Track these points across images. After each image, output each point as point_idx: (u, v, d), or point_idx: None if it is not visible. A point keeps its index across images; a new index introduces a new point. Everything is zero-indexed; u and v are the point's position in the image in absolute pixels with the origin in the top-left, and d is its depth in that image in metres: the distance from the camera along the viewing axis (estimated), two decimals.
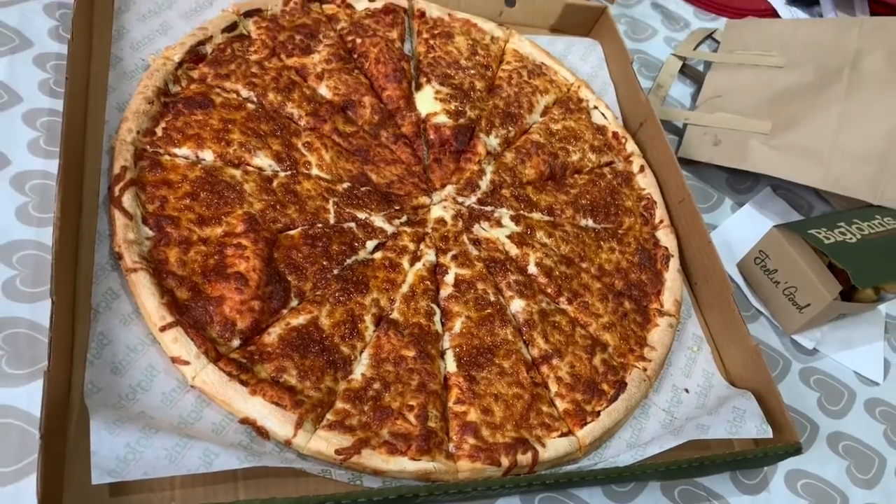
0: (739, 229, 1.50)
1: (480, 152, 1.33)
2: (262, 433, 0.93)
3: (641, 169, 1.43)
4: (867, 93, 1.43)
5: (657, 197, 1.40)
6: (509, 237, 1.25)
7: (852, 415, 1.28)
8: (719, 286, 1.26)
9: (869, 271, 1.25)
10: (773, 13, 1.96)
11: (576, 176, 1.40)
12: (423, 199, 1.26)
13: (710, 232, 1.39)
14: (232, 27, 1.29)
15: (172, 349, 0.94)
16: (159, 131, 1.13)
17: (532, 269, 1.22)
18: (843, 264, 1.24)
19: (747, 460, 1.09)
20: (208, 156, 1.14)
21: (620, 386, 1.12)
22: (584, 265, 1.26)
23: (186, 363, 0.93)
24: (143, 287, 0.96)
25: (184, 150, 1.13)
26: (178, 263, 1.01)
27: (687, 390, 1.20)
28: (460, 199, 1.28)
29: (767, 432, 1.08)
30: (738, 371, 1.23)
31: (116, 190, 1.03)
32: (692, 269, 1.34)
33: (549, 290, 1.21)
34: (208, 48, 1.25)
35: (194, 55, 1.23)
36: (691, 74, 1.77)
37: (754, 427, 1.09)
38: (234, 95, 1.22)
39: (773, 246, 1.33)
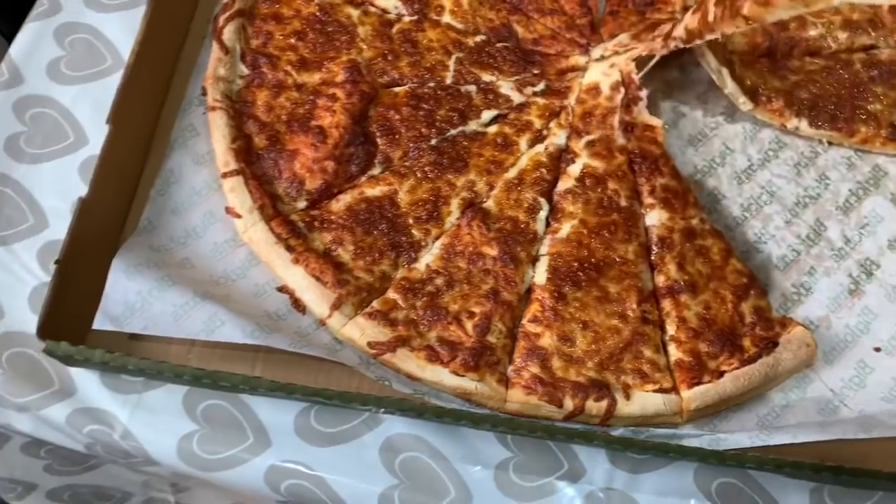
0: None
1: (675, 2, 1.02)
2: (299, 307, 0.85)
3: None
4: None
5: None
6: None
7: None
8: None
9: None
10: None
11: (806, 59, 1.02)
12: (576, 60, 1.01)
13: None
14: None
15: (229, 198, 0.88)
16: None
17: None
18: None
19: None
20: None
21: (766, 346, 0.84)
22: None
23: (238, 216, 0.87)
24: (217, 128, 0.90)
25: None
26: (264, 108, 0.93)
27: (879, 349, 0.87)
28: (633, 50, 0.99)
29: None
30: None
31: (221, 20, 0.96)
32: None
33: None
34: None
35: None
36: None
37: None
38: None
39: None
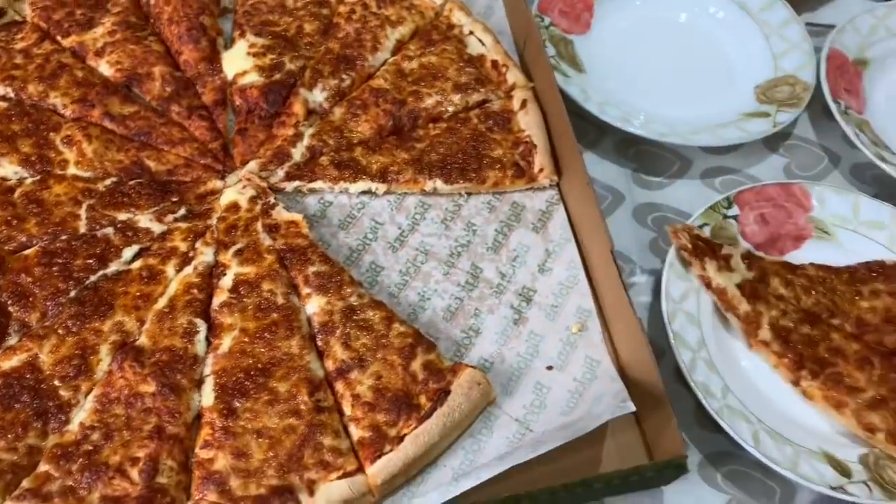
0: None
1: (298, 113, 1.07)
2: None
3: (523, 105, 1.10)
4: None
5: (540, 140, 1.07)
6: None
7: None
8: (600, 243, 0.95)
9: None
10: None
11: (430, 126, 1.10)
12: (214, 184, 1.03)
13: None
14: None
15: None
16: None
17: None
18: None
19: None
20: None
21: (439, 397, 0.85)
22: None
23: None
24: None
25: None
26: None
27: (551, 367, 0.92)
28: (264, 175, 1.03)
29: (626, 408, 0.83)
30: (629, 356, 0.92)
31: None
32: (576, 225, 1.02)
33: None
34: None
35: None
36: None
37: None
38: None
39: None
